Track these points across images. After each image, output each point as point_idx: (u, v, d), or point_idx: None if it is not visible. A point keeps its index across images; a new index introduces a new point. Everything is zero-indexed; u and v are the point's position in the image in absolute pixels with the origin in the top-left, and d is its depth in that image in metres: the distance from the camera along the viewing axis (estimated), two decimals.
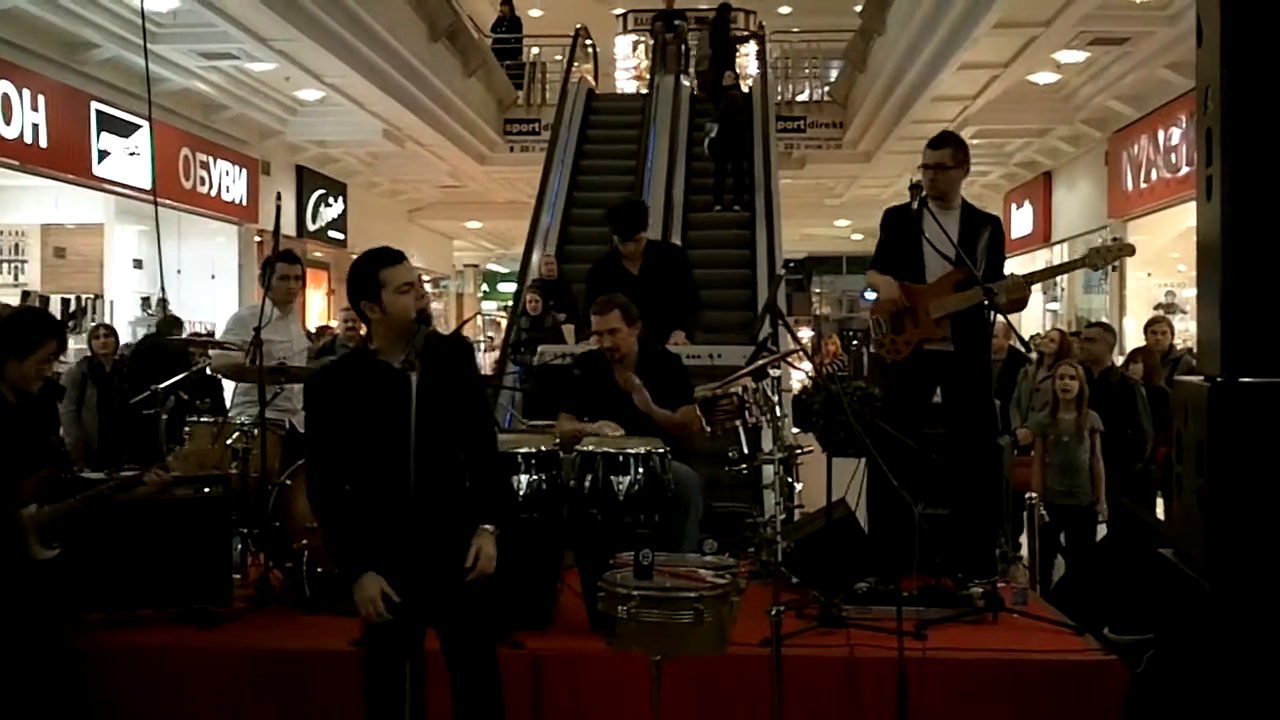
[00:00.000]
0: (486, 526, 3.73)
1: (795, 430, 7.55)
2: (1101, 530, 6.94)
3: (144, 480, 4.62)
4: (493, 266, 35.29)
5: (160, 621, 4.98)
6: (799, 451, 5.13)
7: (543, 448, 4.80)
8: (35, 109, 11.25)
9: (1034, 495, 6.75)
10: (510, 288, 35.50)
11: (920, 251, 5.48)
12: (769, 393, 4.42)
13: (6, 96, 10.80)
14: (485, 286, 36.08)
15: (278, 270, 6.11)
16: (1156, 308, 14.10)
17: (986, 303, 5.29)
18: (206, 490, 5.13)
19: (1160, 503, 7.82)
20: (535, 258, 12.79)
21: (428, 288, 26.05)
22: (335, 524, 3.74)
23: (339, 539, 3.75)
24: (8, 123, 10.84)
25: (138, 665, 4.72)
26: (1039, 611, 5.13)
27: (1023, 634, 4.80)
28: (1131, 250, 5.79)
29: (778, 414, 4.44)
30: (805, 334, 14.61)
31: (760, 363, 4.64)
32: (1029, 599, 5.26)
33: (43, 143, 11.42)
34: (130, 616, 4.97)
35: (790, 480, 4.27)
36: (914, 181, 6.05)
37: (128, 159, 13.03)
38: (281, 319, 6.16)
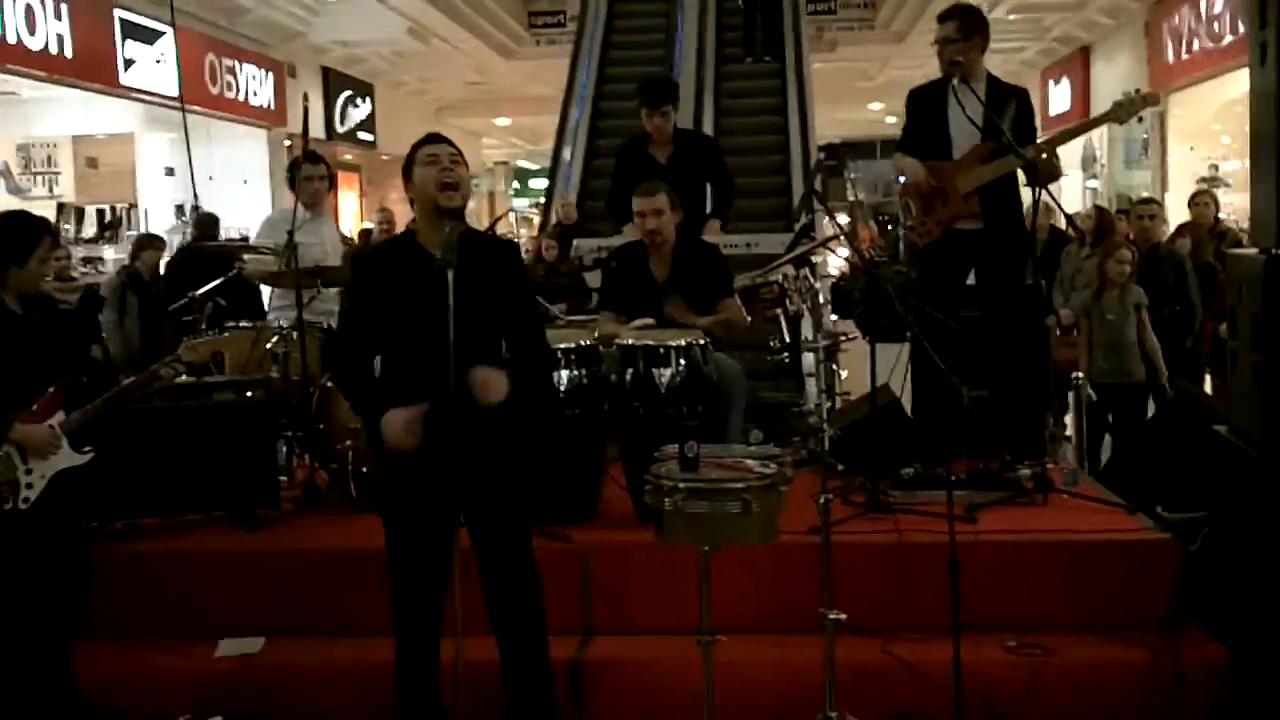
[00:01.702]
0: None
1: (834, 318, 7.48)
2: (1152, 408, 6.86)
3: (160, 374, 4.61)
4: (523, 163, 35.06)
5: (209, 524, 5.04)
6: (842, 338, 5.05)
7: (583, 342, 4.76)
8: (59, 18, 11.14)
9: (1080, 375, 6.66)
10: (541, 184, 35.30)
11: (946, 129, 5.38)
12: (811, 280, 4.33)
13: (29, 7, 10.68)
14: (516, 184, 35.88)
15: (303, 171, 6.04)
16: (1199, 181, 13.79)
17: (1021, 170, 5.17)
18: (249, 394, 5.13)
19: (1209, 379, 7.73)
20: (565, 157, 12.56)
21: None
22: (355, 381, 3.80)
23: (361, 391, 3.79)
24: (33, 33, 10.74)
25: (190, 568, 4.79)
26: (1089, 492, 5.09)
27: (1074, 514, 4.76)
28: (1156, 99, 5.58)
29: (820, 301, 4.34)
30: (842, 220, 14.35)
31: (801, 250, 4.54)
32: (1079, 479, 5.21)
33: (69, 52, 11.34)
34: (180, 521, 5.02)
35: (834, 368, 4.19)
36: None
37: (154, 66, 12.92)
38: (313, 221, 6.11)
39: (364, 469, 5.25)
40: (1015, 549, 4.43)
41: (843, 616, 3.64)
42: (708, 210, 6.31)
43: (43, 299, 4.36)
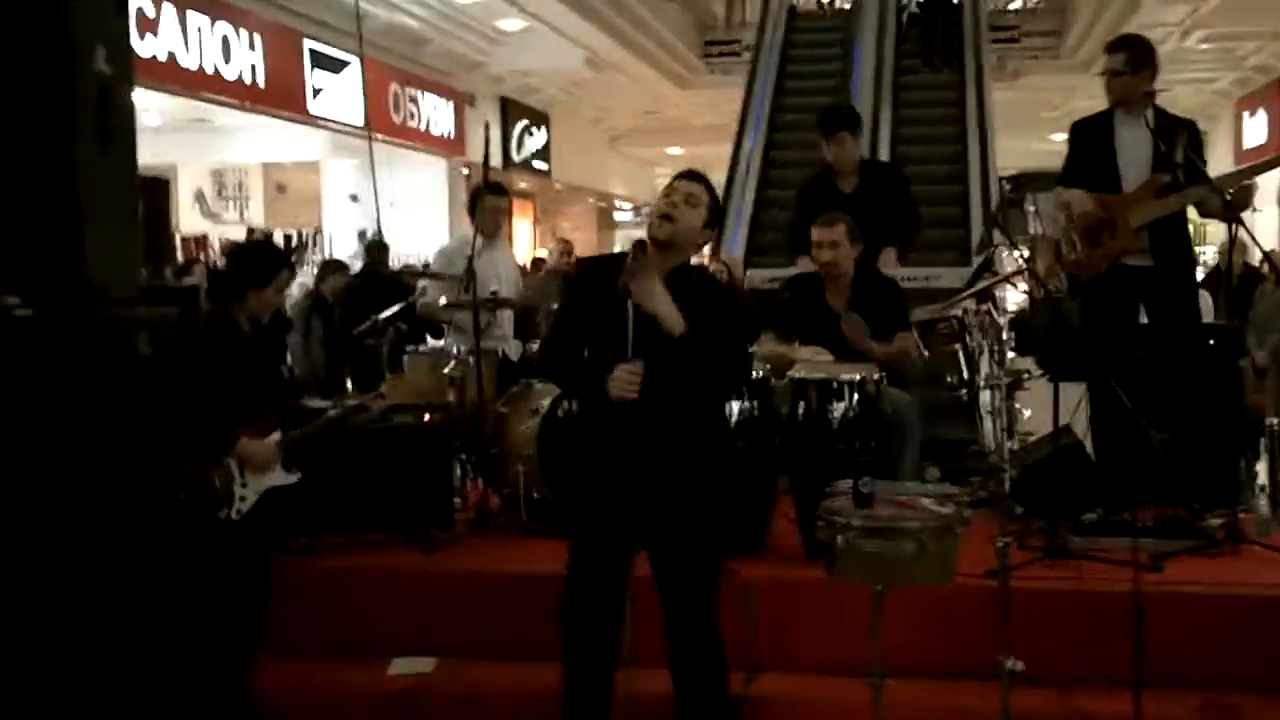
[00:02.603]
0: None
1: (1012, 355, 7.29)
2: None
3: (367, 406, 4.78)
4: None
5: (386, 544, 5.15)
6: (1025, 375, 4.92)
7: (756, 374, 4.74)
8: (253, 49, 11.67)
9: (1275, 420, 6.34)
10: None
11: (1114, 161, 5.22)
12: (994, 314, 4.22)
13: (226, 38, 11.22)
14: None
15: (486, 203, 6.16)
16: None
17: (1194, 205, 4.99)
18: (427, 418, 5.26)
19: None
20: (737, 186, 12.51)
21: (625, 214, 26.08)
22: (567, 371, 3.83)
23: (572, 373, 3.80)
24: (228, 62, 11.27)
25: (366, 586, 4.90)
26: None
27: (1267, 567, 4.54)
28: None
29: (1002, 337, 4.24)
30: (1020, 253, 13.96)
31: (983, 285, 4.44)
32: (1272, 530, 4.95)
33: (261, 82, 11.86)
34: (358, 540, 5.16)
35: (1015, 406, 4.08)
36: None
37: (340, 95, 13.43)
38: (489, 249, 6.23)
39: (535, 494, 5.32)
40: (1203, 601, 4.24)
41: (1020, 666, 3.53)
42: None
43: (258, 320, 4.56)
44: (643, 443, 3.56)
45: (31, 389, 3.77)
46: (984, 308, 4.66)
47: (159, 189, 6.28)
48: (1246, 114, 19.04)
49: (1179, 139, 5.15)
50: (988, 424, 5.68)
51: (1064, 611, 4.23)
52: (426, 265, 5.84)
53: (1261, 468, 6.13)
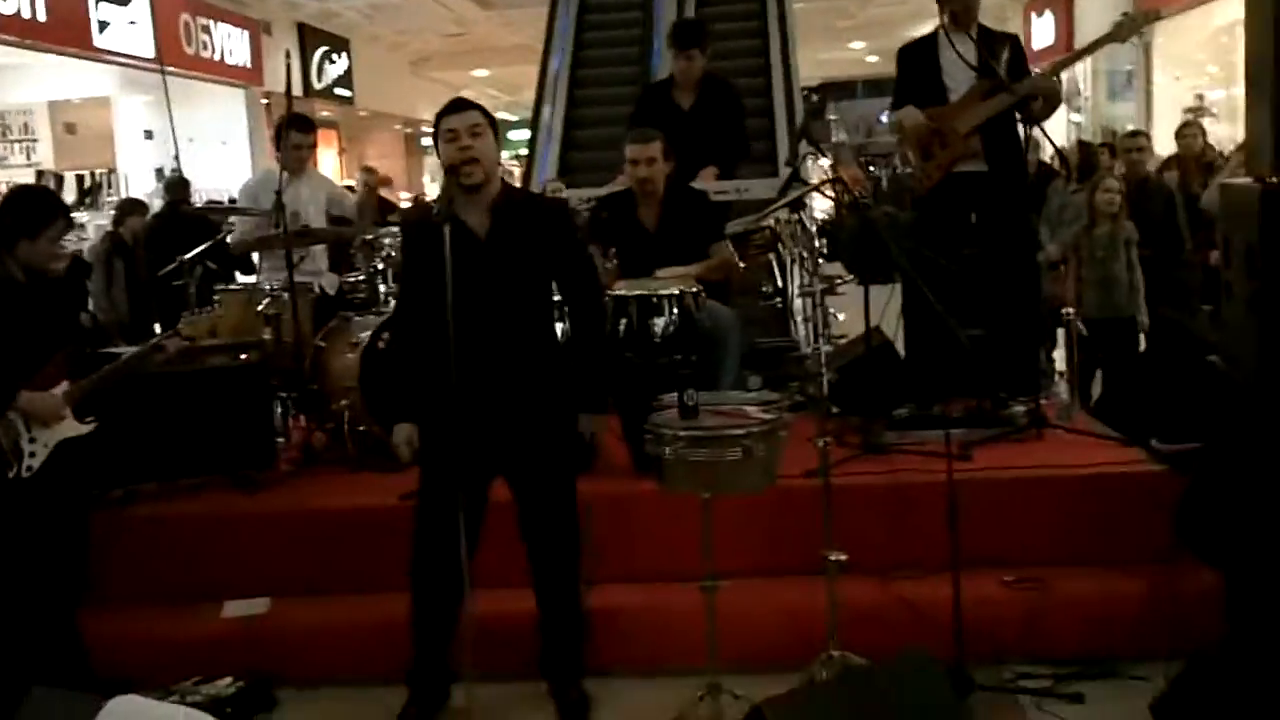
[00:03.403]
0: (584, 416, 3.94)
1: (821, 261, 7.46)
2: (1143, 342, 6.89)
3: (163, 346, 4.63)
4: (502, 115, 34.79)
5: (208, 489, 5.04)
6: (838, 281, 5.05)
7: None
8: None
9: (1071, 310, 6.67)
10: (520, 135, 34.99)
11: (940, 78, 5.34)
12: (805, 224, 4.32)
13: None
14: None
15: (291, 139, 5.96)
16: (1185, 112, 13.73)
17: (1019, 109, 5.16)
18: (244, 357, 5.13)
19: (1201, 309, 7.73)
20: (546, 112, 12.40)
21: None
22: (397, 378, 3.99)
23: (402, 378, 3.96)
24: None
25: (192, 531, 4.80)
26: (1084, 426, 5.12)
27: (1069, 449, 4.80)
28: (1158, 15, 5.48)
29: (815, 245, 4.34)
30: (825, 162, 14.21)
31: (794, 195, 4.53)
32: (1073, 414, 5.24)
33: (41, 16, 11.19)
34: (179, 486, 5.02)
35: (829, 311, 4.20)
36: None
37: (128, 28, 12.77)
38: (296, 183, 6.05)
39: (359, 428, 5.26)
40: (1012, 485, 4.47)
41: (844, 557, 3.68)
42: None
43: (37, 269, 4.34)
44: (494, 372, 3.68)
45: None
46: (795, 217, 4.76)
47: None
48: (1035, 15, 19.72)
49: (1002, 50, 5.29)
50: (803, 329, 5.85)
51: (882, 504, 4.41)
52: (233, 201, 5.64)
53: (1059, 355, 6.47)
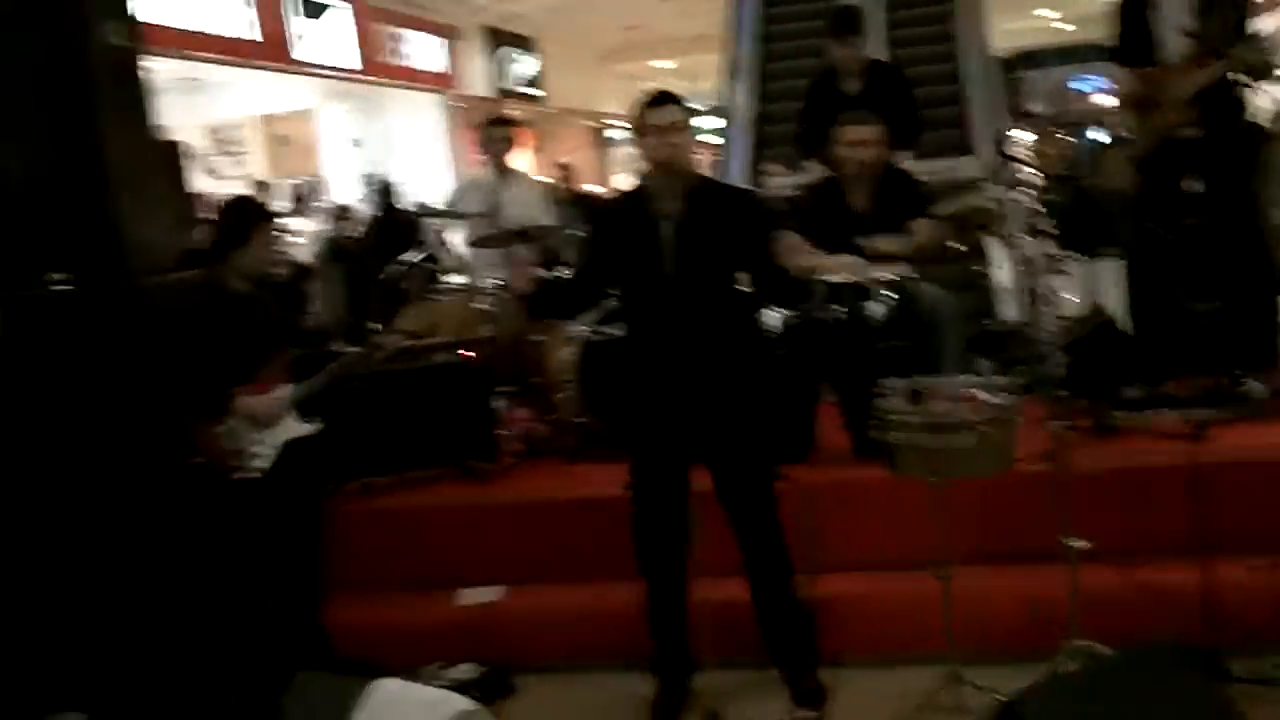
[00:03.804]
0: None
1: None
2: None
3: (382, 344, 4.83)
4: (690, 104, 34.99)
5: (438, 480, 5.22)
6: (1059, 258, 4.92)
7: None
8: (248, 4, 11.55)
9: None
10: (704, 123, 35.02)
11: (1149, 33, 5.13)
12: (1028, 201, 4.22)
13: None
14: None
15: (490, 134, 6.14)
16: None
17: (1234, 73, 4.94)
18: (464, 353, 5.30)
19: None
20: (737, 94, 12.31)
21: (617, 132, 25.92)
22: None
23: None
24: (213, 18, 11.17)
25: (423, 523, 4.98)
26: None
27: None
28: None
29: (1038, 224, 4.23)
30: (1028, 136, 13.81)
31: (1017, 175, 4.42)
32: None
33: (257, 35, 11.73)
34: (411, 478, 5.21)
35: (1056, 291, 4.10)
36: None
37: (324, 40, 13.30)
38: (504, 183, 6.21)
39: (579, 419, 5.37)
40: (1254, 467, 4.26)
41: (1086, 544, 3.58)
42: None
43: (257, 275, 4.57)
44: (688, 360, 3.72)
45: (75, 365, 3.82)
46: (1010, 195, 4.66)
47: (177, 152, 6.23)
48: None
49: (1218, 5, 5.07)
50: (1016, 309, 5.71)
51: (1118, 488, 4.26)
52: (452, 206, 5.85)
53: None
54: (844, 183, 5.14)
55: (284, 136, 15.08)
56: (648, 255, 3.75)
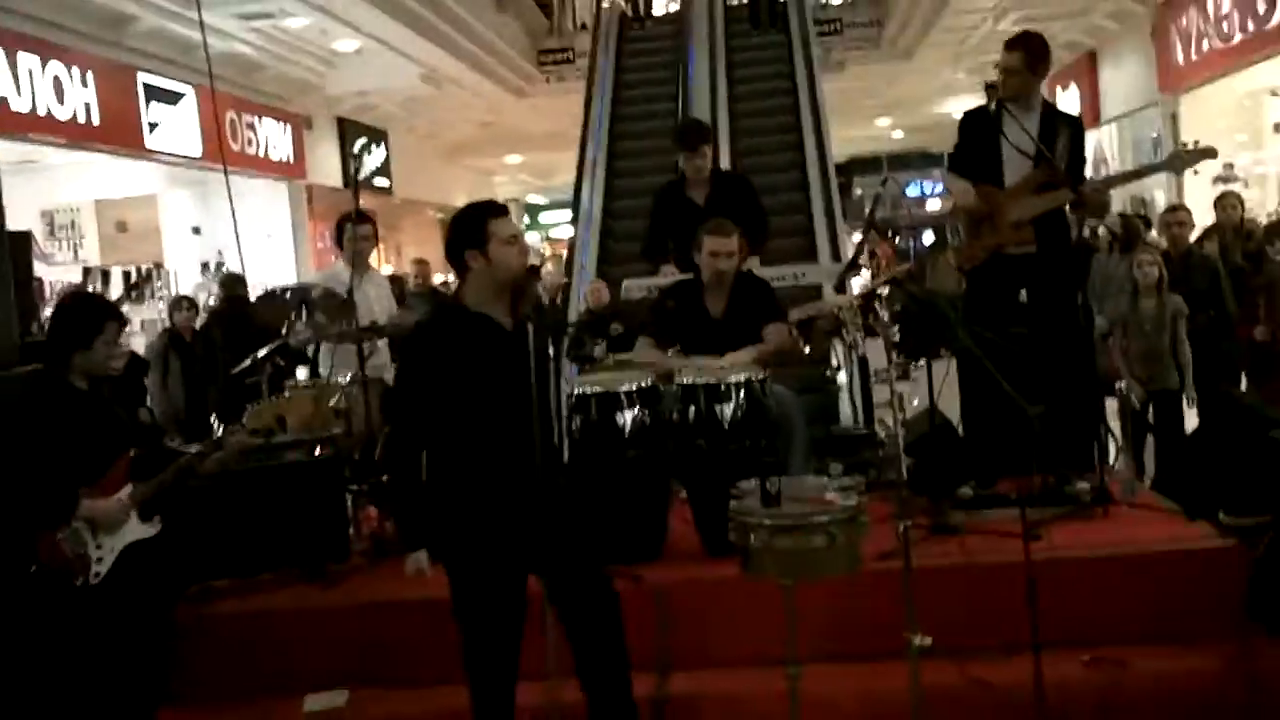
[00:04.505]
0: None
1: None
2: (1188, 415, 6.91)
3: (223, 445, 4.72)
4: (533, 199, 35.26)
5: (283, 583, 5.10)
6: (913, 366, 5.13)
7: (643, 383, 4.82)
8: (85, 86, 11.33)
9: (1123, 384, 6.71)
10: (551, 217, 35.39)
11: (999, 154, 5.41)
12: (879, 311, 4.41)
13: (58, 78, 10.87)
14: (527, 219, 36.11)
15: (352, 233, 6.11)
16: (1215, 181, 13.81)
17: (1069, 206, 5.26)
18: (318, 453, 5.23)
19: (1245, 381, 7.77)
20: (585, 194, 12.57)
21: None
22: (405, 487, 3.84)
23: (407, 505, 3.91)
24: (61, 103, 10.93)
25: (267, 627, 4.86)
26: (1148, 502, 5.14)
27: (1136, 526, 4.83)
28: (1214, 153, 5.58)
29: (891, 332, 4.42)
30: (856, 237, 14.35)
31: (878, 283, 4.62)
32: (1136, 490, 5.27)
33: (95, 120, 11.51)
34: (253, 582, 5.09)
35: (901, 395, 4.27)
36: (989, 83, 5.94)
37: (177, 127, 13.11)
38: (361, 278, 6.20)
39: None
40: (1084, 565, 4.49)
41: (928, 641, 3.70)
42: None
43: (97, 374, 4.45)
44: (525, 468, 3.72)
45: None
46: (857, 302, 4.87)
47: (20, 243, 6.07)
48: (1060, 89, 19.94)
49: (1060, 135, 5.37)
50: (849, 411, 5.90)
51: (956, 585, 4.42)
52: (303, 301, 5.79)
53: (1118, 430, 6.50)
54: (703, 287, 5.30)
55: (121, 222, 14.72)
56: (499, 367, 3.76)
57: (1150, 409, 6.96)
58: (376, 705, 4.55)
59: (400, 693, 4.59)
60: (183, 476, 4.50)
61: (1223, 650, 4.20)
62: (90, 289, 13.05)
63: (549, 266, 15.23)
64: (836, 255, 8.82)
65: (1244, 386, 7.70)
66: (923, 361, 4.93)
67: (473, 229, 3.81)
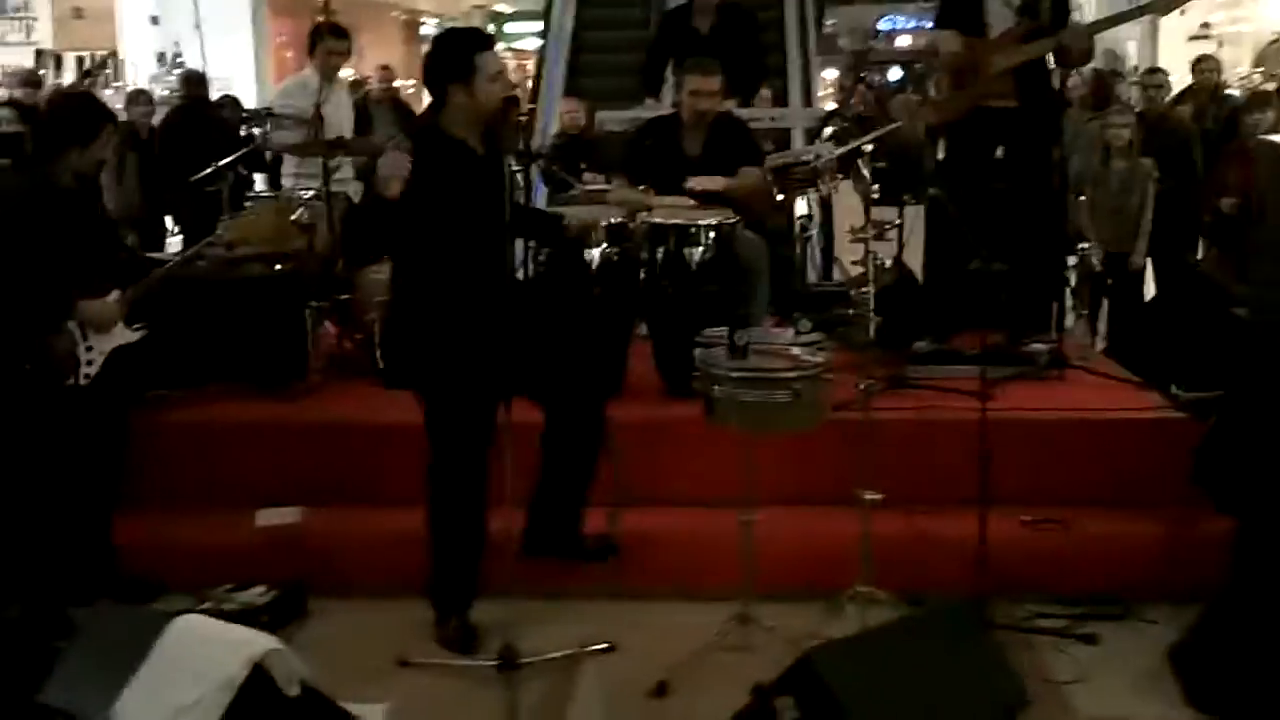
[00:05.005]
0: None
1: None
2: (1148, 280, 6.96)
3: (203, 255, 4.71)
4: (500, 7, 34.24)
5: (239, 395, 5.10)
6: (888, 226, 5.11)
7: (614, 219, 4.77)
8: None
9: (1086, 245, 6.73)
10: (518, 28, 34.40)
11: (982, 6, 5.31)
12: (861, 167, 4.35)
13: None
14: (492, 27, 35.12)
15: (326, 45, 5.96)
16: (1191, 39, 13.62)
17: (1054, 56, 5.17)
18: (278, 266, 5.16)
19: (1201, 247, 7.78)
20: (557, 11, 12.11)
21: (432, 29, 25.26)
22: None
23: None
24: None
25: (223, 439, 4.86)
26: (1103, 368, 5.21)
27: (1091, 391, 4.90)
28: None
29: (871, 187, 4.36)
30: (831, 73, 14.19)
31: (859, 142, 4.55)
32: (1092, 355, 5.32)
33: None
34: (210, 391, 5.08)
35: (876, 254, 4.24)
36: None
37: None
38: (330, 91, 6.05)
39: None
40: (1035, 426, 4.55)
41: (880, 497, 3.78)
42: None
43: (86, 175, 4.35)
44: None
45: None
46: (835, 151, 4.81)
47: None
48: None
49: None
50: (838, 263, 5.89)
51: (909, 440, 4.48)
52: (267, 110, 5.64)
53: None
54: (681, 126, 5.20)
55: (77, 8, 14.16)
56: (477, 194, 3.73)
57: (1109, 272, 6.99)
58: (328, 523, 4.56)
59: (354, 511, 4.61)
60: (168, 282, 4.45)
61: (1164, 518, 4.29)
62: (41, 73, 12.60)
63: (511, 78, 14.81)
64: (809, 100, 8.68)
65: (1200, 254, 7.74)
66: (896, 219, 4.89)
67: (458, 61, 3.72)
